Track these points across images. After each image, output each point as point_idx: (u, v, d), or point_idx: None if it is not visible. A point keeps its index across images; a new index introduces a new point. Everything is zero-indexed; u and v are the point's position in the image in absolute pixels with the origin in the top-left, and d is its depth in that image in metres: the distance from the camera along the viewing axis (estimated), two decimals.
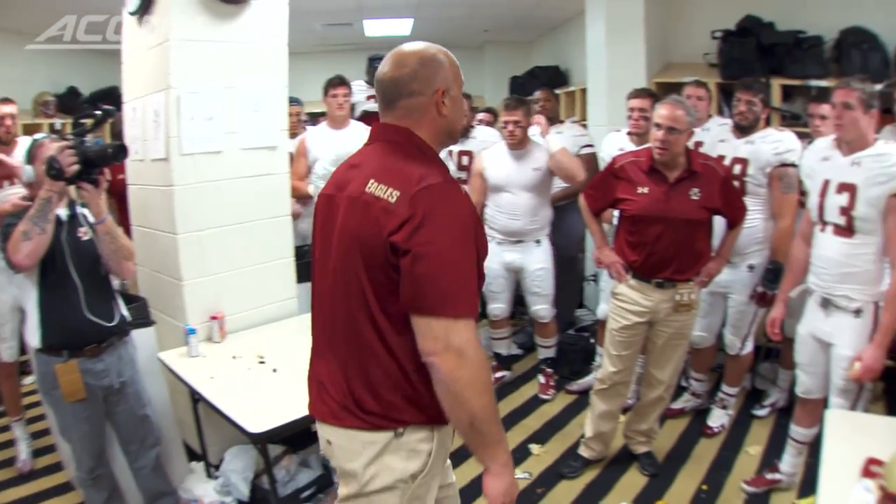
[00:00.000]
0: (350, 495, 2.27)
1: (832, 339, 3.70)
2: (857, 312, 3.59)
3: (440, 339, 1.96)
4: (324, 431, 2.32)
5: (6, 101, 4.81)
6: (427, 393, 2.09)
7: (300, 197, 5.72)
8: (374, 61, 7.74)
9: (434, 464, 2.23)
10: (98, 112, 3.42)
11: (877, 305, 3.57)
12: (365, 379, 2.16)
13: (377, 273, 2.05)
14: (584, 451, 4.64)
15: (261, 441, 3.19)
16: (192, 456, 4.32)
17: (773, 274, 4.61)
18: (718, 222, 4.31)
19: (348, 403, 2.19)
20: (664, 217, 4.00)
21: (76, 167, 3.15)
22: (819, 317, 3.78)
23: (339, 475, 2.36)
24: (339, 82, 6.18)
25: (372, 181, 2.06)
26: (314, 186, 5.10)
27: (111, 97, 4.07)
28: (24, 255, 3.13)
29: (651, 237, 4.07)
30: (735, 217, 4.29)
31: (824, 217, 3.69)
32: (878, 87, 4.29)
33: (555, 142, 5.26)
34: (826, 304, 3.72)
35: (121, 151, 3.33)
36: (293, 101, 6.22)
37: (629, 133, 5.29)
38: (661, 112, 3.99)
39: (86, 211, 3.45)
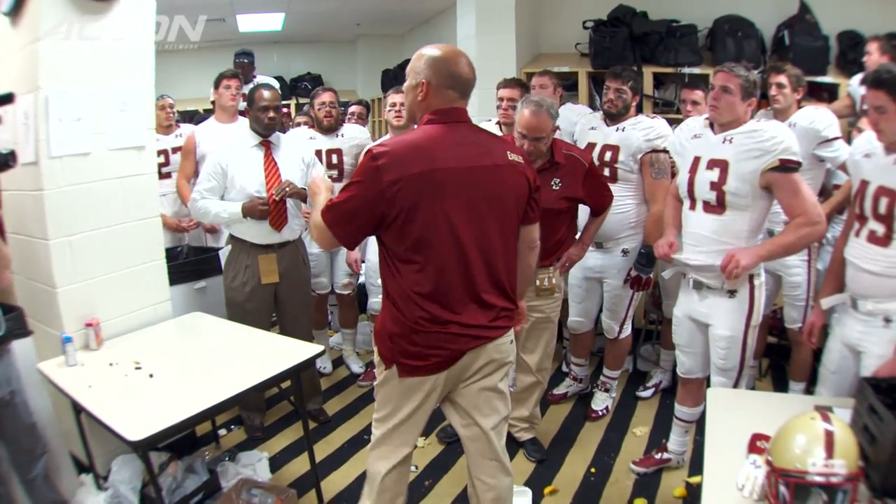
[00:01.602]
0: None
1: (708, 320, 3.81)
2: (732, 293, 3.69)
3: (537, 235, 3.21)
4: (478, 354, 2.98)
5: None
6: None
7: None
8: (239, 56, 7.65)
9: None
10: None
11: (752, 284, 3.67)
12: (512, 287, 3.06)
13: (522, 208, 3.02)
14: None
15: (142, 448, 3.11)
16: (81, 468, 4.21)
17: (645, 258, 4.73)
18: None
19: (506, 311, 3.04)
20: None
21: None
22: (694, 298, 3.88)
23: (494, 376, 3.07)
24: (232, 74, 6.22)
25: (508, 152, 2.96)
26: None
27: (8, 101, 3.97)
28: None
29: None
30: (599, 205, 4.44)
31: (694, 194, 3.76)
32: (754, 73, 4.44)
33: None
34: (699, 286, 3.81)
35: (10, 157, 3.26)
36: (163, 95, 6.17)
37: (498, 123, 5.32)
38: (526, 122, 4.06)
39: None
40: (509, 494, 3.25)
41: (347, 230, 2.86)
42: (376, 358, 3.05)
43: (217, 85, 6.14)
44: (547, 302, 4.39)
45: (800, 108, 4.67)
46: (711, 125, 3.78)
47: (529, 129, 4.03)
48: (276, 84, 7.57)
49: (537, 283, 4.25)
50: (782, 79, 4.62)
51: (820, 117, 4.51)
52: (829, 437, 2.15)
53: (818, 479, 2.11)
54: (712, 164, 3.63)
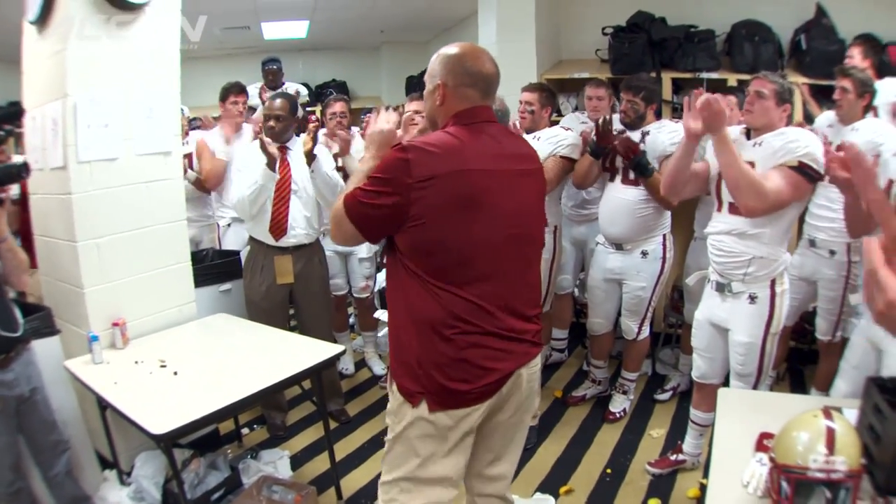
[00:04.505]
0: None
1: (727, 325, 3.85)
2: (753, 298, 3.73)
3: None
4: (517, 378, 2.69)
5: None
6: None
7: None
8: (267, 63, 7.70)
9: None
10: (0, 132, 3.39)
11: (773, 290, 3.71)
12: (540, 299, 2.95)
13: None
14: None
15: (165, 442, 3.18)
16: (105, 464, 4.29)
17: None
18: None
19: (538, 326, 2.81)
20: None
21: None
22: (715, 302, 3.91)
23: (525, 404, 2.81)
24: (239, 90, 6.24)
25: (533, 155, 2.88)
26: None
27: (16, 117, 4.02)
28: None
29: None
30: None
31: (721, 196, 3.82)
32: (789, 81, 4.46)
33: None
34: (721, 288, 3.85)
35: (24, 170, 3.32)
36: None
37: (513, 123, 5.32)
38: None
39: None
40: None
41: (370, 226, 2.58)
42: (393, 403, 2.68)
43: (224, 98, 6.17)
44: None
45: (865, 114, 4.52)
46: (748, 133, 3.81)
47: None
48: (304, 91, 7.63)
49: None
50: (847, 83, 4.48)
51: (884, 132, 4.40)
52: (831, 433, 2.16)
53: (819, 475, 2.12)
54: None
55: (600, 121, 4.79)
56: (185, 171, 5.67)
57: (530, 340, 2.71)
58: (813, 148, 3.49)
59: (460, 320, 2.50)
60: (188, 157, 6.18)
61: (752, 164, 3.61)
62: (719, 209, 3.86)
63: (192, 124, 7.25)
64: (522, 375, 2.68)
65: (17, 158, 4.29)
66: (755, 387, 3.86)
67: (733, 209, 3.71)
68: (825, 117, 4.87)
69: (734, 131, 3.82)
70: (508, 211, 2.60)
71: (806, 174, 3.48)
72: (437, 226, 2.46)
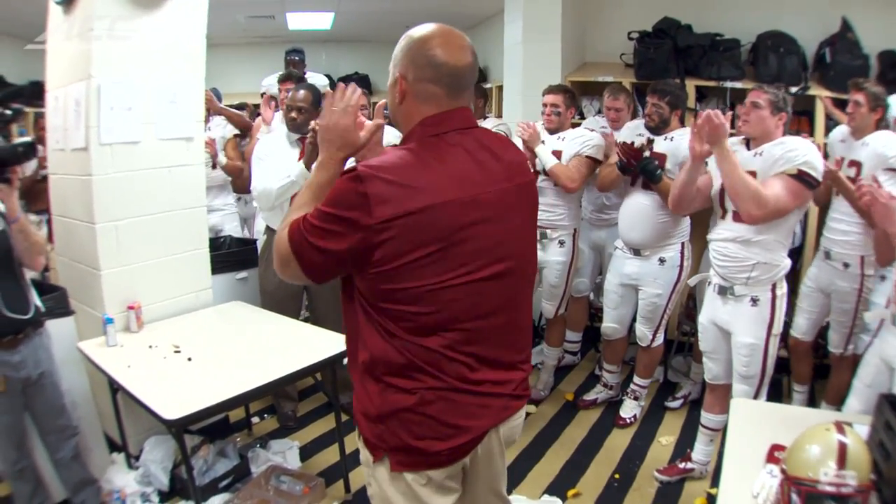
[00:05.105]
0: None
1: (730, 327, 3.90)
2: (755, 301, 3.80)
3: None
4: (500, 431, 2.33)
5: None
6: None
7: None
8: (290, 54, 7.71)
9: None
10: (8, 112, 3.38)
11: (774, 293, 3.78)
12: (530, 341, 2.46)
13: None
14: None
15: (177, 427, 3.19)
16: (113, 447, 4.31)
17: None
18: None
19: (527, 378, 2.42)
20: None
21: None
22: (717, 305, 3.98)
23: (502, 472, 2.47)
24: (284, 79, 6.32)
25: (528, 163, 2.31)
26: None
27: (20, 96, 4.03)
28: None
29: None
30: None
31: (724, 204, 3.89)
32: (794, 89, 4.43)
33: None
34: (724, 292, 3.91)
35: (31, 150, 3.32)
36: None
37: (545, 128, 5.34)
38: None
39: None
40: None
41: (317, 270, 2.09)
42: (363, 453, 2.29)
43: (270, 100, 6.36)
44: None
45: (877, 128, 4.53)
46: (747, 143, 3.89)
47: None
48: (325, 82, 7.64)
49: None
50: (860, 97, 4.50)
51: (893, 145, 4.39)
52: (843, 448, 2.18)
53: (829, 488, 2.13)
54: None
55: (627, 143, 4.84)
56: (216, 156, 5.76)
57: (510, 394, 2.27)
58: (811, 156, 3.58)
59: (424, 373, 2.08)
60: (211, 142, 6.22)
61: (753, 173, 3.70)
62: (723, 217, 3.94)
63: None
64: (493, 438, 2.28)
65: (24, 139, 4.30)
66: (759, 388, 3.91)
67: (737, 217, 3.79)
68: (838, 132, 4.89)
69: (734, 142, 3.90)
70: (492, 244, 2.13)
71: (805, 182, 3.57)
72: (403, 273, 2.00)
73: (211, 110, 6.04)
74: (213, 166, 6.14)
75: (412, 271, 1.99)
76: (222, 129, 6.46)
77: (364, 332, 2.13)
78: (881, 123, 4.53)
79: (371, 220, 1.91)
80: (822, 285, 4.79)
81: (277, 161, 4.72)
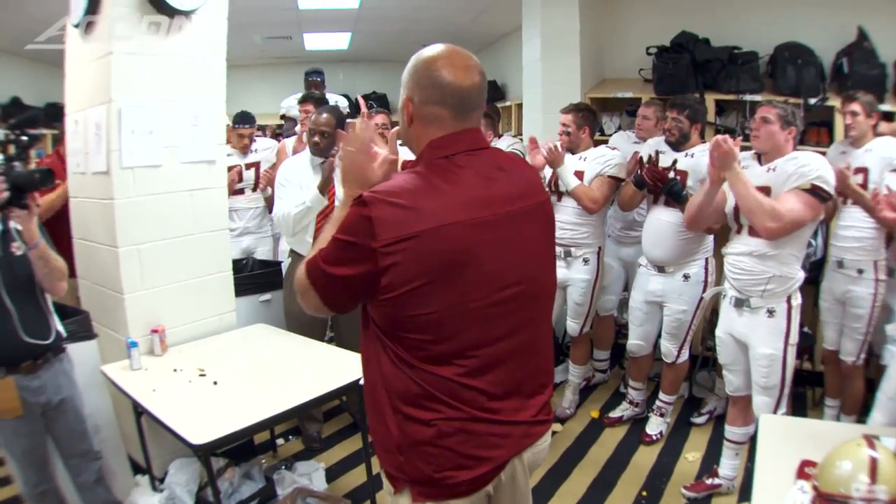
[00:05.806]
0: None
1: (747, 339, 3.96)
2: (771, 312, 3.85)
3: None
4: (524, 458, 2.28)
5: None
6: None
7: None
8: (310, 75, 7.73)
9: None
10: (24, 137, 3.37)
11: (790, 304, 3.83)
12: (552, 366, 2.46)
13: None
14: None
15: (203, 452, 3.17)
16: (137, 469, 4.30)
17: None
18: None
19: (548, 402, 2.37)
20: None
21: (6, 194, 3.11)
22: (734, 317, 4.03)
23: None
24: (303, 101, 6.41)
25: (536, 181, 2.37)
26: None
27: (37, 121, 4.02)
28: None
29: None
30: None
31: (739, 219, 3.95)
32: (812, 101, 4.44)
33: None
34: (740, 304, 3.96)
35: (48, 176, 3.31)
36: (246, 121, 6.31)
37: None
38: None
39: (17, 224, 3.32)
40: None
41: (335, 299, 2.11)
42: (385, 482, 2.26)
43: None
44: None
45: (876, 134, 4.71)
46: (759, 158, 3.97)
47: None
48: (345, 103, 7.67)
49: None
50: (855, 107, 4.65)
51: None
52: (874, 463, 2.17)
53: (861, 503, 2.13)
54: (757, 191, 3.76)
55: (646, 157, 4.92)
56: (263, 186, 5.96)
57: (530, 421, 2.23)
58: (824, 171, 3.67)
59: (441, 403, 2.05)
60: (249, 167, 6.32)
61: (767, 188, 3.80)
62: (738, 232, 4.02)
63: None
64: (516, 467, 2.23)
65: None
66: (779, 399, 3.93)
67: (752, 231, 3.86)
68: (834, 148, 5.02)
69: (746, 156, 4.02)
70: (506, 266, 2.10)
71: (818, 195, 3.65)
72: (412, 300, 1.98)
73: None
74: (254, 189, 6.19)
75: (420, 297, 1.97)
76: (270, 153, 6.52)
77: (380, 361, 2.12)
78: (876, 129, 4.72)
79: (376, 244, 1.91)
80: (838, 296, 4.85)
81: (299, 186, 4.74)
